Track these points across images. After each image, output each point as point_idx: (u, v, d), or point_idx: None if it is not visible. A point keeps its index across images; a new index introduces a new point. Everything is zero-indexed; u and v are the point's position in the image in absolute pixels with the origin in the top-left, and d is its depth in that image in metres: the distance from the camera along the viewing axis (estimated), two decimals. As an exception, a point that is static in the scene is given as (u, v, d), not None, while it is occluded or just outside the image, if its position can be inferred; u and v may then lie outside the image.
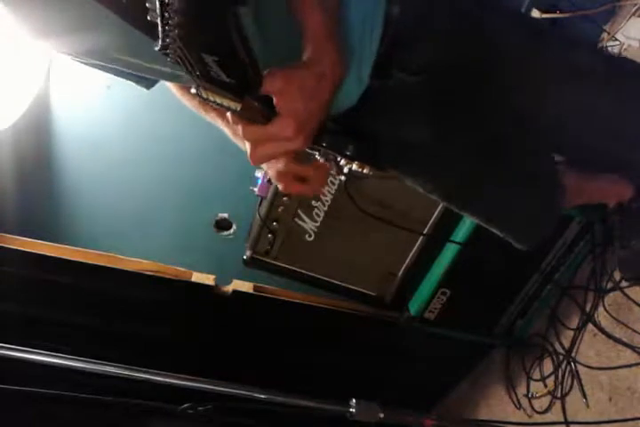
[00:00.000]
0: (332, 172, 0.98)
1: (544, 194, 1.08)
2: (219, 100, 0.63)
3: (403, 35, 0.86)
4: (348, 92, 0.87)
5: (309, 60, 0.73)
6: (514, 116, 0.98)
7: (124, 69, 0.89)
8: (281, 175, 0.89)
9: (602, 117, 0.99)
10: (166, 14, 0.48)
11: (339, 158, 0.93)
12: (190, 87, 0.83)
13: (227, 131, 1.01)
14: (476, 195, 1.07)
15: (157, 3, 0.47)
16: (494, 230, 1.11)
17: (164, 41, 0.52)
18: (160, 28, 0.50)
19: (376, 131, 0.95)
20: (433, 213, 1.68)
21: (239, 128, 0.72)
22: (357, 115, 0.91)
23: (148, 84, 0.98)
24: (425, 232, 1.69)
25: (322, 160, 0.92)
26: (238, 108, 0.64)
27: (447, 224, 1.65)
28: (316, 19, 0.74)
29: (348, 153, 0.90)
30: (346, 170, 0.95)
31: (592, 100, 0.98)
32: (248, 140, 0.74)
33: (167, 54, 0.55)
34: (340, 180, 1.16)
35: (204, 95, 0.63)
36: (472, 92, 0.93)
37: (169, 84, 1.02)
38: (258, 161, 0.77)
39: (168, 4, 0.47)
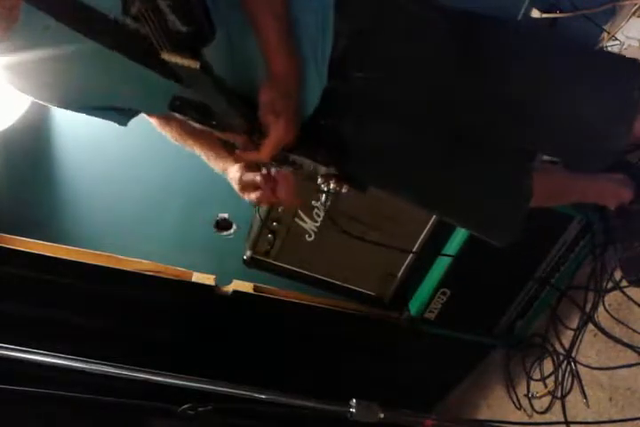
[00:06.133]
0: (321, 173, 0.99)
1: (512, 193, 1.07)
2: (179, 60, 0.69)
3: (358, 33, 0.88)
4: (310, 90, 0.90)
5: (272, 79, 0.83)
6: (483, 111, 0.98)
7: (103, 104, 0.93)
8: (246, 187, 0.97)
9: (574, 105, 1.00)
10: None
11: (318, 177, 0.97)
12: (169, 119, 0.97)
13: (204, 156, 1.08)
14: (447, 198, 1.07)
15: None
16: (469, 230, 1.12)
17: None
18: None
19: (342, 133, 0.96)
20: (431, 217, 1.68)
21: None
22: (322, 117, 0.93)
23: (123, 119, 1.01)
24: (421, 240, 1.70)
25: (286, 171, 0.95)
26: (197, 66, 0.69)
27: (446, 228, 1.65)
28: (267, 22, 0.79)
29: (318, 158, 0.92)
30: (324, 188, 0.98)
31: (568, 89, 1.00)
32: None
33: (129, 12, 0.64)
34: (324, 204, 1.19)
35: (167, 58, 0.68)
36: (436, 89, 0.93)
37: (149, 119, 1.07)
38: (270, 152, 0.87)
39: None
